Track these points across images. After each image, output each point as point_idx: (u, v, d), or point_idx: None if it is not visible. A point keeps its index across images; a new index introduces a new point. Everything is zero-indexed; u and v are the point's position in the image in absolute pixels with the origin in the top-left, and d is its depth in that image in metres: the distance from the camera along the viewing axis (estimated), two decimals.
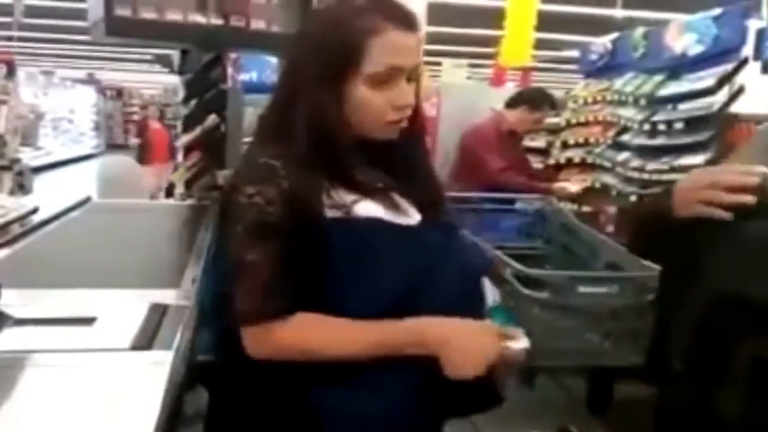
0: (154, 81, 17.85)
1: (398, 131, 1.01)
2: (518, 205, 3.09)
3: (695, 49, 3.44)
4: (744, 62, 3.21)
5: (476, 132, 3.49)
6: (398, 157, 1.04)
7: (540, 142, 5.17)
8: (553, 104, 3.52)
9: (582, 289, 2.27)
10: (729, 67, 3.25)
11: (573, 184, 3.44)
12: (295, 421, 1.01)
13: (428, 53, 7.98)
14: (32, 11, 8.92)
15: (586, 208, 4.00)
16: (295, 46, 1.03)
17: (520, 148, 3.56)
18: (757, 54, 3.14)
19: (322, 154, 0.97)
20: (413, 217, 1.04)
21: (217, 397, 1.15)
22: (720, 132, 3.15)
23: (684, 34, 3.51)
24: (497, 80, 8.14)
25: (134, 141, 19.75)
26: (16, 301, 1.51)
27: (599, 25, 6.26)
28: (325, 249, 0.96)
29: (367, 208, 0.98)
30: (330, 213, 0.97)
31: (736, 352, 0.85)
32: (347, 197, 0.98)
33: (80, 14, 2.46)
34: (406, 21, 0.95)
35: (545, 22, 6.44)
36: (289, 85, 1.03)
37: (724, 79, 3.24)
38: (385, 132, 1.00)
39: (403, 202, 1.04)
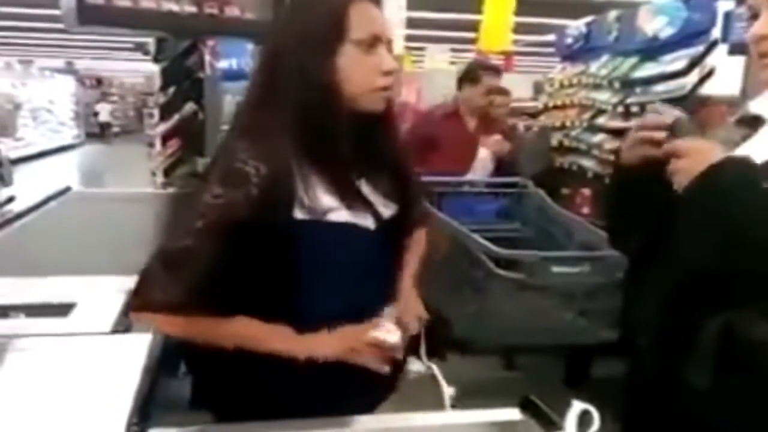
0: (135, 69, 17.61)
1: (385, 100, 1.04)
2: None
3: (666, 32, 3.48)
4: (714, 44, 3.26)
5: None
6: (374, 144, 1.06)
7: (519, 126, 5.23)
8: (494, 69, 3.22)
9: (555, 269, 2.31)
10: (699, 49, 3.30)
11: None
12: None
13: (411, 39, 7.97)
14: None
15: (564, 190, 4.06)
16: (277, 28, 1.07)
17: (467, 129, 3.16)
18: (725, 36, 3.19)
19: (316, 133, 0.99)
20: (384, 211, 1.08)
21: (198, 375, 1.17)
22: (691, 113, 3.20)
23: (655, 17, 3.56)
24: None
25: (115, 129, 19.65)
26: None
27: (581, 8, 6.28)
28: (292, 250, 0.99)
29: (339, 215, 1.02)
30: (300, 215, 0.99)
31: (703, 325, 0.87)
32: (323, 201, 1.01)
33: (57, 2, 2.45)
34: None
35: (528, 5, 6.45)
36: (270, 66, 1.04)
37: (695, 61, 3.29)
38: (373, 100, 1.02)
39: (375, 196, 1.07)
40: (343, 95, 1.00)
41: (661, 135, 0.95)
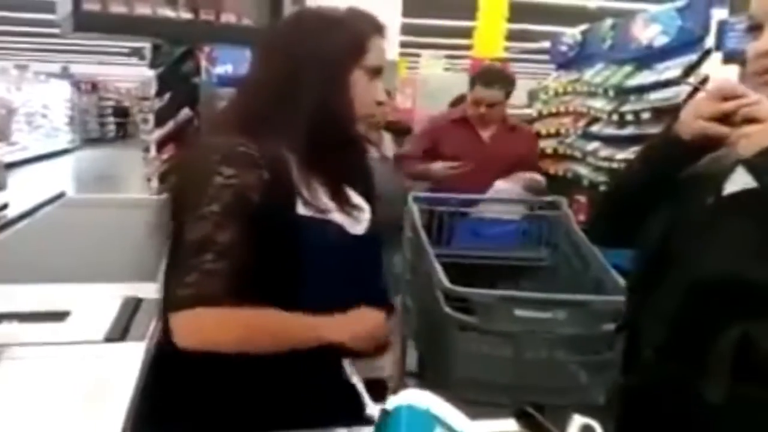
0: (130, 74, 17.57)
1: (365, 126, 1.11)
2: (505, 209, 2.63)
3: (660, 40, 3.51)
4: (708, 53, 3.28)
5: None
6: (358, 158, 1.14)
7: None
8: (487, 81, 2.93)
9: (519, 312, 1.90)
10: (694, 57, 3.32)
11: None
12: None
13: (406, 45, 8.01)
14: (4, 4, 8.76)
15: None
16: (291, 41, 1.08)
17: (477, 135, 2.93)
18: (719, 44, 3.21)
19: (321, 146, 1.02)
20: (366, 217, 1.11)
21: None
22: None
23: (649, 26, 3.58)
24: (474, 71, 8.18)
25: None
26: None
27: (576, 16, 6.32)
28: (294, 243, 0.99)
29: (337, 217, 1.04)
30: (303, 211, 1.00)
31: (720, 336, 0.83)
32: (325, 202, 1.03)
33: (53, 7, 2.45)
34: (384, 34, 1.10)
35: (523, 13, 6.49)
36: (281, 78, 1.05)
37: (689, 70, 3.31)
38: (361, 125, 1.09)
39: (361, 202, 1.11)
40: (353, 112, 1.06)
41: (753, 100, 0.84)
